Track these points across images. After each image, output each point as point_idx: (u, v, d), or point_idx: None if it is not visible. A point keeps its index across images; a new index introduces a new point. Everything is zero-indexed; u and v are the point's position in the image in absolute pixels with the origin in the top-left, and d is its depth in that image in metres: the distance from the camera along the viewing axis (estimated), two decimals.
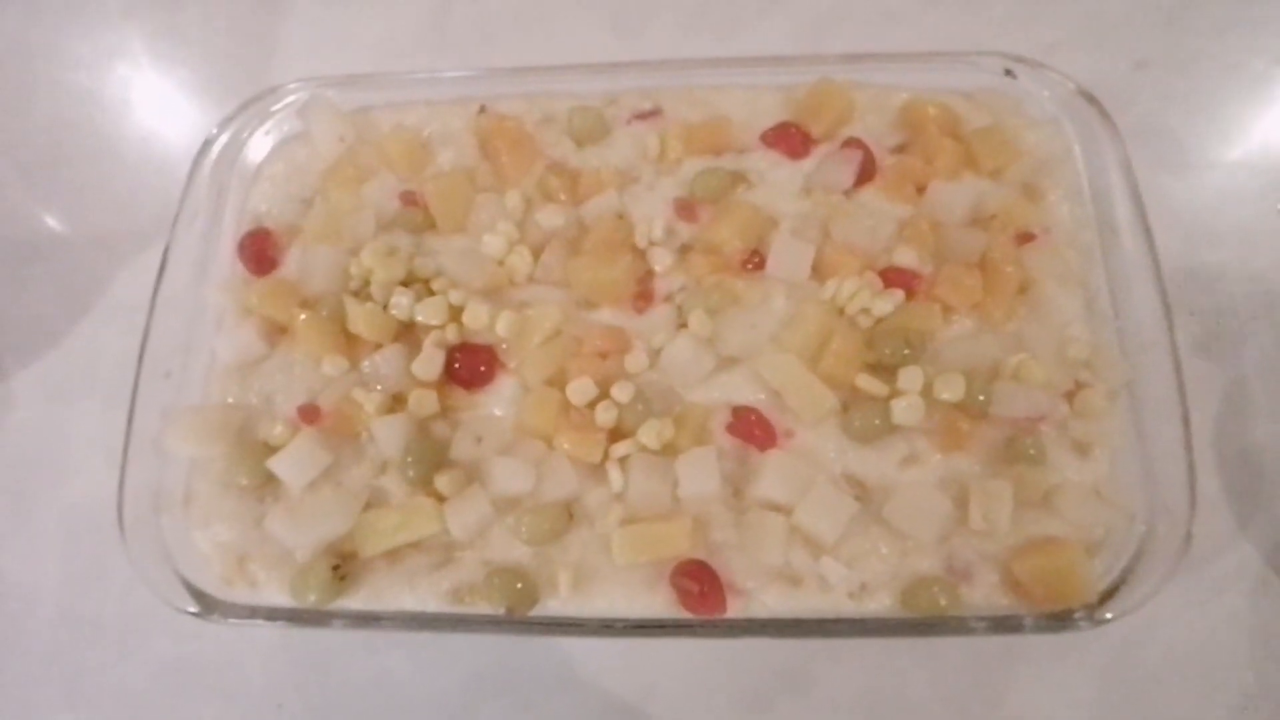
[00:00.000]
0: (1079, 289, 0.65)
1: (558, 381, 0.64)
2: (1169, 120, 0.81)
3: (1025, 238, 0.66)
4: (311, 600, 0.59)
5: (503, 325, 0.64)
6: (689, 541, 0.59)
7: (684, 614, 0.58)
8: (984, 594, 0.58)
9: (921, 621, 0.57)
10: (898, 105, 0.72)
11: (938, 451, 0.61)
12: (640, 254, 0.68)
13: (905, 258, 0.66)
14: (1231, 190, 0.78)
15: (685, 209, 0.70)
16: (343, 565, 0.60)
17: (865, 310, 0.64)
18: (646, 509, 0.60)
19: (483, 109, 0.75)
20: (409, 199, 0.72)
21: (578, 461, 0.61)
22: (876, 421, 0.61)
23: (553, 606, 0.59)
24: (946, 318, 0.64)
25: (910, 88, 0.72)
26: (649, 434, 0.60)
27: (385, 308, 0.66)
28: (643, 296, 0.67)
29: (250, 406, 0.66)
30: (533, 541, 0.60)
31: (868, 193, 0.69)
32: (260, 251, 0.71)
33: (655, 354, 0.65)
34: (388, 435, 0.62)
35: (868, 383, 0.61)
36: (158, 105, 0.92)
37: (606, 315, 0.67)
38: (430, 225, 0.71)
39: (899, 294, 0.64)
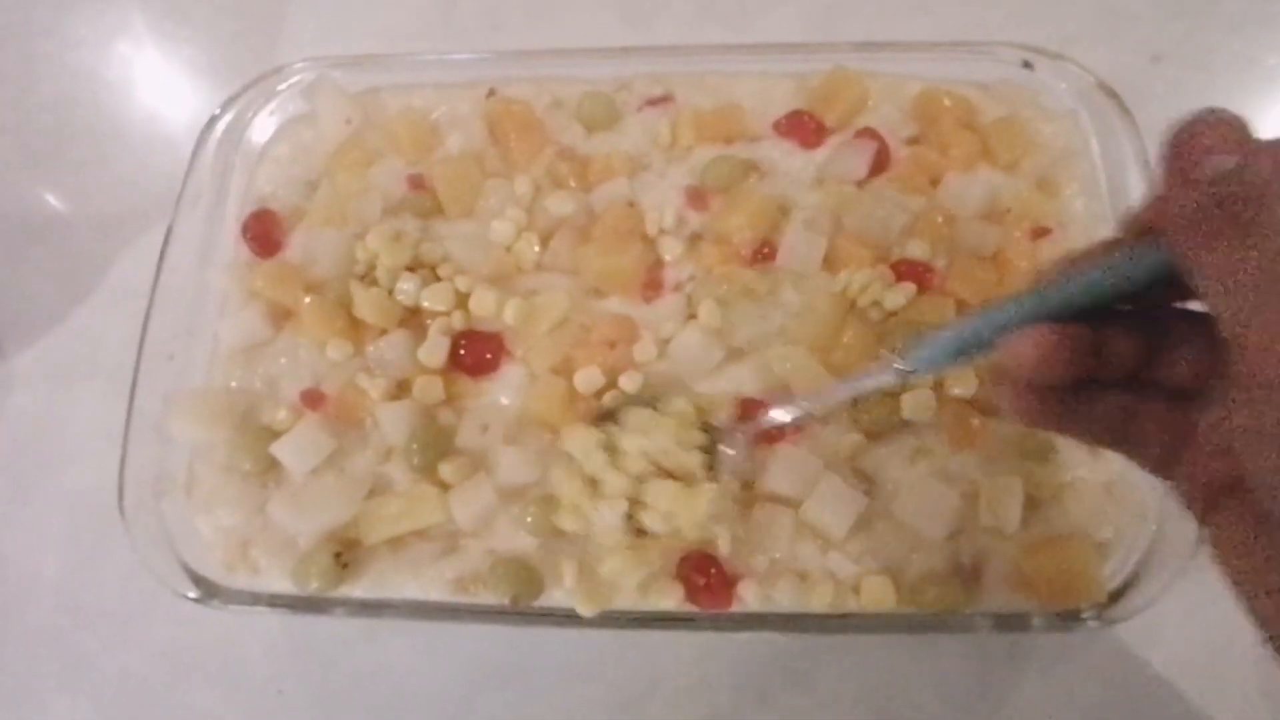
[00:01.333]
0: None
1: (565, 370, 0.63)
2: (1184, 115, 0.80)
3: (1040, 232, 0.65)
4: (314, 587, 0.59)
5: (510, 312, 0.64)
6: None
7: (689, 607, 0.58)
8: (992, 591, 0.58)
9: (928, 618, 0.57)
10: (913, 95, 0.71)
11: (947, 447, 0.60)
12: (650, 242, 0.67)
13: (918, 250, 0.65)
14: None
15: (696, 197, 0.69)
16: (345, 553, 0.59)
17: (876, 303, 0.63)
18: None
19: (492, 92, 0.74)
20: (416, 183, 0.71)
21: None
22: (886, 416, 0.60)
23: (557, 597, 0.59)
24: (959, 312, 0.64)
25: (926, 78, 0.71)
26: None
27: (391, 293, 0.65)
28: (652, 285, 0.66)
29: (254, 391, 0.66)
30: (538, 532, 0.60)
31: (881, 184, 0.68)
32: (264, 234, 0.70)
33: (664, 344, 0.64)
34: (392, 422, 0.62)
35: None
36: (162, 84, 0.91)
37: (615, 304, 0.66)
38: (437, 210, 0.70)
39: (911, 287, 0.63)
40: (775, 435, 0.61)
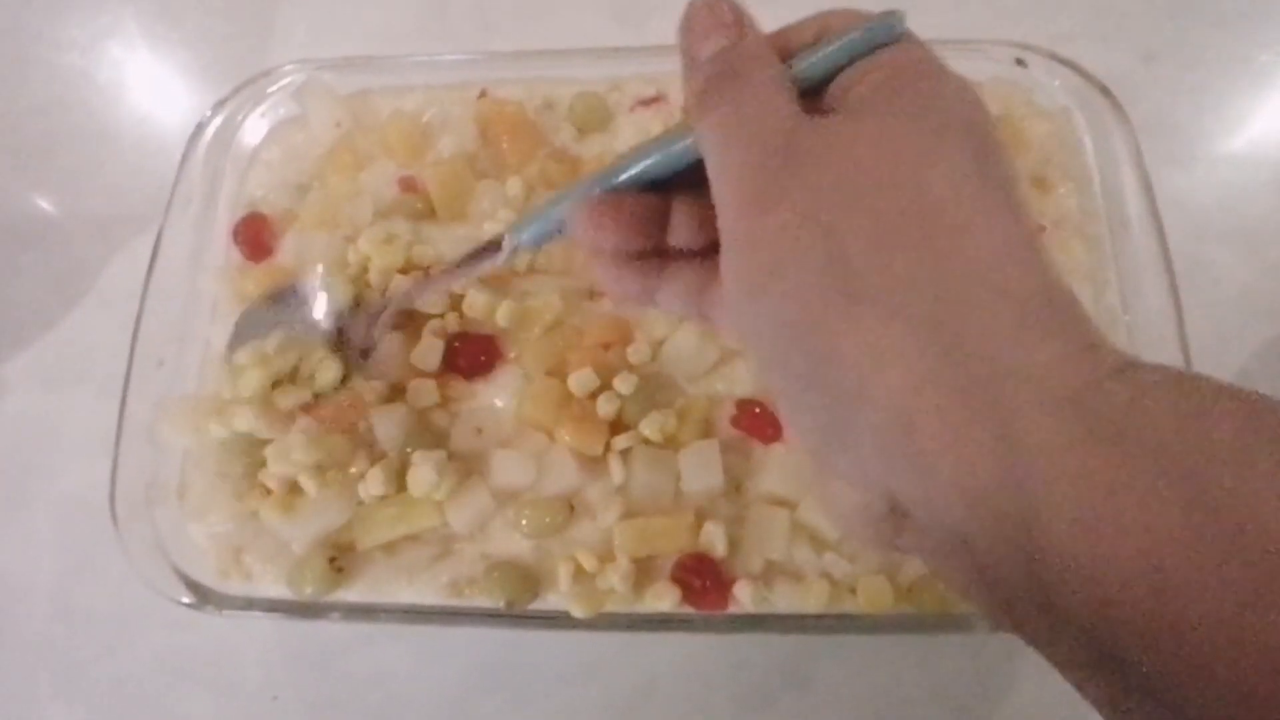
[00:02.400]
0: (1088, 283, 0.64)
1: (559, 372, 0.63)
2: (1176, 113, 0.81)
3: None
4: (308, 592, 0.58)
5: (503, 315, 0.63)
6: (691, 536, 0.58)
7: (686, 609, 0.58)
8: None
9: (926, 618, 0.57)
10: None
11: None
12: None
13: None
14: (1239, 184, 0.77)
15: None
16: (340, 557, 0.59)
17: None
18: (648, 503, 0.59)
19: (483, 94, 0.74)
20: (408, 185, 0.71)
21: (579, 454, 0.60)
22: None
23: (553, 600, 0.58)
24: None
25: None
26: (651, 427, 0.60)
27: (383, 295, 0.65)
28: None
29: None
30: (533, 535, 0.59)
31: None
32: (255, 237, 0.70)
33: (658, 345, 0.64)
34: (386, 426, 0.61)
35: None
36: (153, 87, 0.91)
37: (608, 305, 0.66)
38: (429, 212, 0.69)
39: None
40: (770, 434, 0.61)
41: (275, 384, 0.59)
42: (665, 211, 0.37)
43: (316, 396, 0.59)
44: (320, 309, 0.60)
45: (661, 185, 0.37)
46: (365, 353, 0.58)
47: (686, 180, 0.36)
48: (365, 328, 0.60)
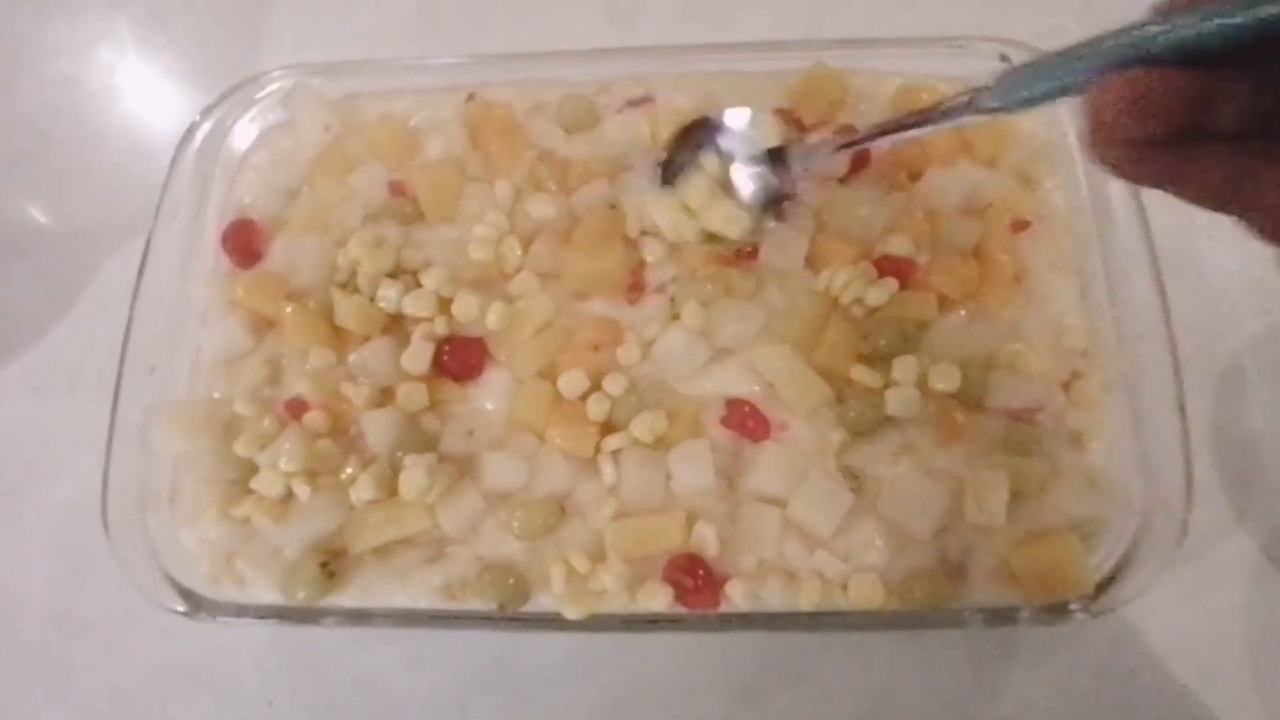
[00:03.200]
0: (1075, 277, 0.64)
1: (549, 374, 0.63)
2: None
3: (1021, 226, 0.65)
4: (301, 598, 0.58)
5: (493, 317, 0.64)
6: (683, 535, 0.58)
7: (679, 609, 0.58)
8: (979, 586, 0.58)
9: (917, 615, 0.57)
10: (892, 92, 0.71)
11: (933, 443, 0.60)
12: (632, 244, 0.67)
13: (900, 246, 0.65)
14: None
15: None
16: (332, 562, 0.59)
17: (859, 300, 0.63)
18: (640, 503, 0.59)
19: (471, 97, 0.74)
20: (397, 189, 0.71)
21: (570, 455, 0.61)
22: (871, 413, 0.60)
23: (545, 602, 0.59)
24: (941, 307, 0.64)
25: (905, 73, 0.71)
26: (641, 427, 0.60)
27: (373, 300, 0.65)
28: (635, 287, 0.66)
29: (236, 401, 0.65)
30: (525, 537, 0.60)
31: (862, 181, 0.68)
32: (245, 243, 0.70)
33: (647, 346, 0.64)
34: (376, 430, 0.61)
35: (862, 374, 0.61)
36: (144, 92, 0.91)
37: (598, 306, 0.66)
38: (419, 216, 0.69)
39: (893, 283, 0.63)
40: (760, 433, 0.61)
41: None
42: (1208, 89, 0.31)
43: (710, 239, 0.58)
44: (742, 147, 0.56)
45: (1198, 60, 0.30)
46: (781, 199, 0.55)
47: (1234, 57, 0.30)
48: (788, 173, 0.56)
